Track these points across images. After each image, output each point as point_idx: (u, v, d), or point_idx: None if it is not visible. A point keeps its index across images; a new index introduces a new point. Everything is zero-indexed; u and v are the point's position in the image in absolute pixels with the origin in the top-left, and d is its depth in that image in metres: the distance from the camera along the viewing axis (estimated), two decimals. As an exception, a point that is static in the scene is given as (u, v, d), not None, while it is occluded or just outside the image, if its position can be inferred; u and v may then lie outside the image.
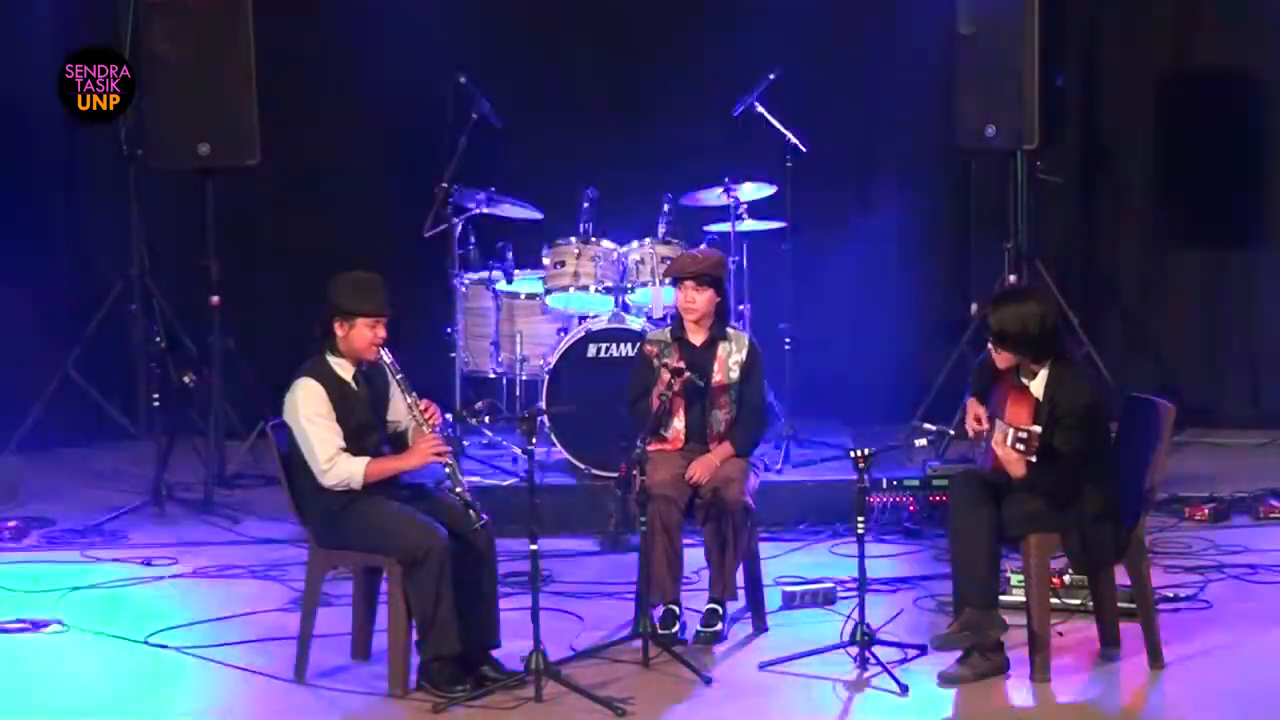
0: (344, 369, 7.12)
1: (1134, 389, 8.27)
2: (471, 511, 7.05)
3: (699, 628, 7.60)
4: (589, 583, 8.42)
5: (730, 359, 7.86)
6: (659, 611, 7.54)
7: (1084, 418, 6.97)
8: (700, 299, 7.84)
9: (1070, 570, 7.46)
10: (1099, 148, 11.23)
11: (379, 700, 7.02)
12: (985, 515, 7.01)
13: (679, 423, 7.82)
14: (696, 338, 7.90)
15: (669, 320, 8.68)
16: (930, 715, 6.84)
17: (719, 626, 7.60)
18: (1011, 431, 6.85)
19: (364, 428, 7.11)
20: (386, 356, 7.13)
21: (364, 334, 7.07)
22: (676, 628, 7.56)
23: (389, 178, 11.26)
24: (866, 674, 7.12)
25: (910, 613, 7.86)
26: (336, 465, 6.99)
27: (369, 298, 7.09)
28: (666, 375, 7.72)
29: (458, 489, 7.08)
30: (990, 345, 7.13)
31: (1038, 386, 7.06)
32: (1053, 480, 6.93)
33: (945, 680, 7.03)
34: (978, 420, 7.18)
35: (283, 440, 7.21)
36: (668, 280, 8.58)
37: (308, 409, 7.01)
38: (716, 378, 7.83)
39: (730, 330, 7.96)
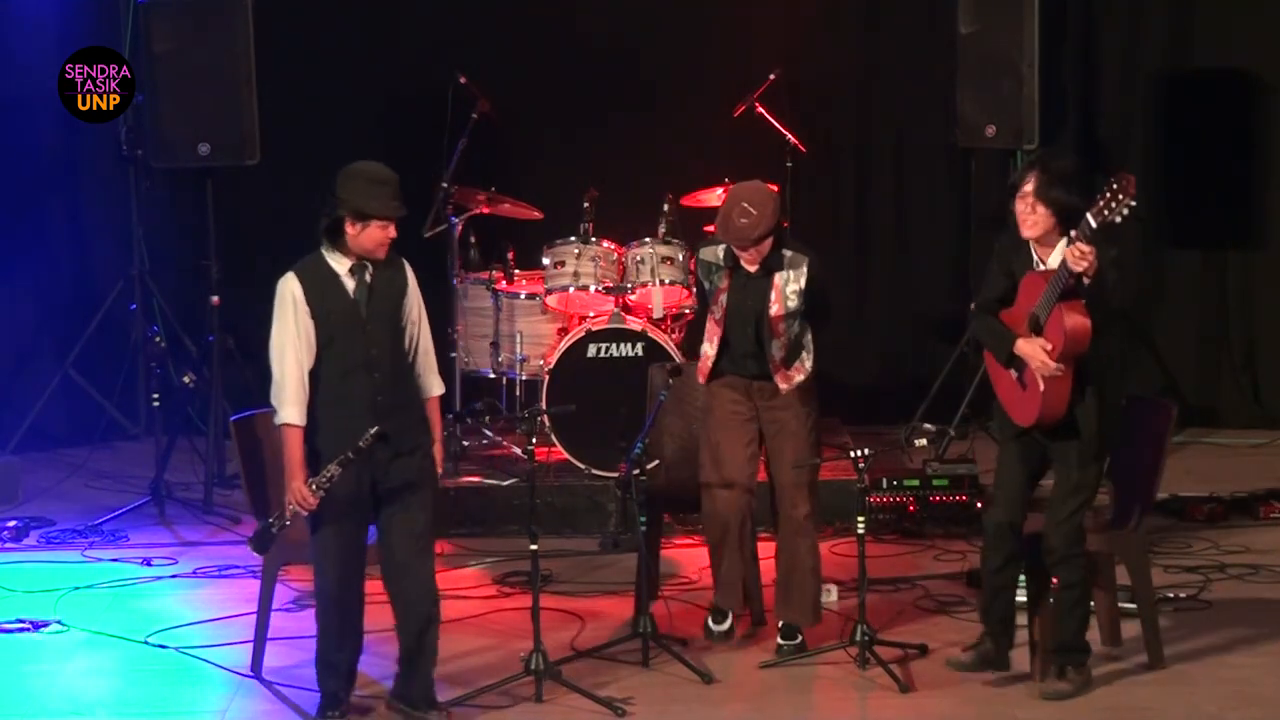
0: (339, 263, 6.68)
1: (1134, 389, 8.26)
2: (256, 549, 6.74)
3: (710, 627, 7.55)
4: (589, 583, 8.42)
5: (788, 288, 7.26)
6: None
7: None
8: (756, 253, 7.21)
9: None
10: (1099, 148, 11.23)
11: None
12: (1009, 556, 6.97)
13: (709, 348, 7.40)
14: (751, 265, 7.29)
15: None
16: (930, 714, 6.85)
17: (799, 638, 7.38)
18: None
19: (352, 324, 6.63)
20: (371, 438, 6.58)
21: (375, 234, 6.66)
22: (728, 625, 7.48)
23: (389, 178, 11.23)
24: (867, 674, 7.12)
25: (910, 613, 7.86)
26: (283, 406, 6.56)
27: (385, 200, 6.62)
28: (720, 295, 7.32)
29: (273, 525, 6.63)
30: (1023, 206, 6.83)
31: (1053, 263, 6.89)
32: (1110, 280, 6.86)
33: (954, 665, 7.06)
34: (1048, 349, 6.78)
35: (244, 439, 7.18)
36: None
37: (280, 325, 6.59)
38: (774, 308, 7.24)
39: (786, 254, 7.28)
